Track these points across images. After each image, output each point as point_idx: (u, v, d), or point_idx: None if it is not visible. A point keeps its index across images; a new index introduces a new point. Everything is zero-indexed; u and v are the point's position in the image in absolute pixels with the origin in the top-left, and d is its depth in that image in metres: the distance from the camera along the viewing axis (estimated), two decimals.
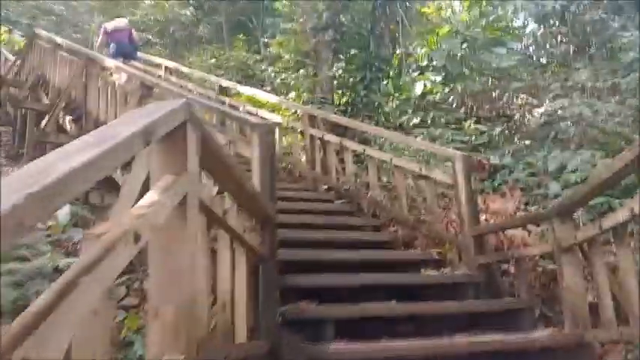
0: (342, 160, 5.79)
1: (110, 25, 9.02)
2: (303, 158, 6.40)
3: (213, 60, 12.31)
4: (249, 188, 2.60)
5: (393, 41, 9.63)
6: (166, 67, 9.91)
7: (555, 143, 6.45)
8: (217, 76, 9.56)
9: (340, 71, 9.03)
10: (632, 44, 8.10)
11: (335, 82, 9.07)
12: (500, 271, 4.15)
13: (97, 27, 10.48)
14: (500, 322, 3.28)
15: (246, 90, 8.12)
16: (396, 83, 8.52)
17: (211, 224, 2.14)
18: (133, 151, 1.13)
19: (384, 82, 8.85)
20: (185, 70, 9.87)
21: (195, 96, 6.66)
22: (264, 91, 8.79)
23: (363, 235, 4.76)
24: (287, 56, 10.02)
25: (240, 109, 7.10)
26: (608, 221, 2.81)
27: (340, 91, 9.08)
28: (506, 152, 6.42)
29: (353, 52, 9.31)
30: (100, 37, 9.10)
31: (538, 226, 4.53)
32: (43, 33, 8.58)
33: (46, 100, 7.50)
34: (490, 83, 8.04)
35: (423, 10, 9.77)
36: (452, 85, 7.79)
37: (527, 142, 6.82)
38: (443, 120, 7.40)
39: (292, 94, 9.30)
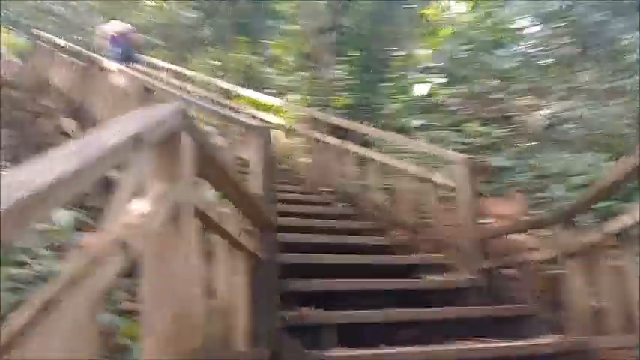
0: (343, 163, 5.76)
1: (112, 29, 9.02)
2: (304, 161, 6.36)
3: (215, 62, 12.29)
4: (248, 192, 2.56)
5: (395, 43, 9.58)
6: (169, 70, 9.91)
7: (559, 146, 6.40)
8: (219, 78, 9.54)
9: (341, 73, 8.99)
10: (633, 46, 8.05)
11: (336, 84, 9.03)
12: (504, 276, 4.10)
13: (96, 28, 10.48)
14: (504, 328, 3.25)
15: (247, 92, 8.09)
16: (398, 85, 8.48)
17: (208, 230, 2.10)
18: (120, 159, 1.09)
19: (386, 84, 8.81)
20: (187, 72, 9.86)
21: (196, 99, 6.64)
22: (265, 93, 8.77)
23: (364, 239, 4.71)
24: (288, 58, 10.00)
25: (241, 111, 7.07)
26: (613, 226, 2.77)
27: (341, 94, 9.05)
28: (509, 155, 6.37)
29: (354, 54, 9.27)
30: (102, 40, 9.11)
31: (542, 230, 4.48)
32: (44, 34, 8.58)
33: (46, 102, 7.49)
34: (492, 85, 7.99)
35: (424, 11, 9.73)
36: (454, 87, 7.74)
37: (531, 144, 6.77)
38: (444, 122, 7.35)
39: (293, 97, 9.27)
